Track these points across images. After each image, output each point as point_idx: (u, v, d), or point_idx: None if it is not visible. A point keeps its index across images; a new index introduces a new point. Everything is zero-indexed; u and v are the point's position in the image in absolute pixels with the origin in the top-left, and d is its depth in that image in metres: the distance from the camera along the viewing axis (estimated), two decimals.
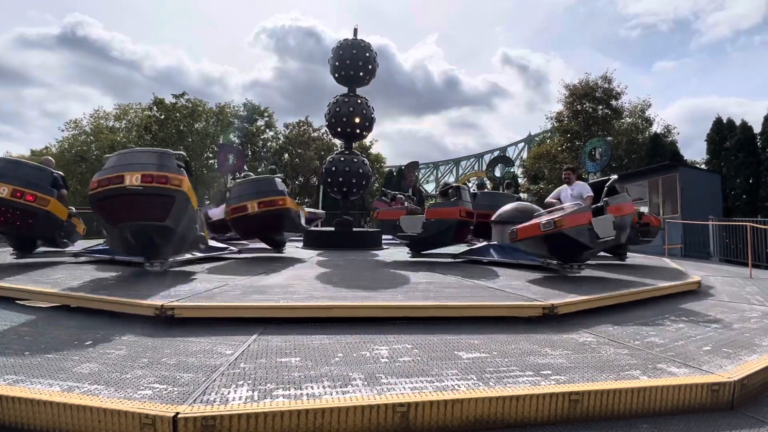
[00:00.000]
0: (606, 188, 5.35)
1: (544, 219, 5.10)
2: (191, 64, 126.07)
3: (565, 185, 5.86)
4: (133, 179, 4.30)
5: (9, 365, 2.32)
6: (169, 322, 3.19)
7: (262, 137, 39.02)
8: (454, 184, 7.20)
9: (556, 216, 5.05)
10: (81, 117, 36.39)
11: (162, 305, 3.22)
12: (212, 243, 7.02)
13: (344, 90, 9.82)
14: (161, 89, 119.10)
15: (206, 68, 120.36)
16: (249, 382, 2.15)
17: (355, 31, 9.76)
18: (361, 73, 9.52)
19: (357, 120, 9.54)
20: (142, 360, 2.44)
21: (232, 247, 7.27)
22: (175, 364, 2.37)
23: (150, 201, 4.38)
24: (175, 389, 2.04)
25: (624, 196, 5.39)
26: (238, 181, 6.73)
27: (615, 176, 5.61)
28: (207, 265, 5.70)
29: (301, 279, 4.70)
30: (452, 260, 6.93)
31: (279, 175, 7.21)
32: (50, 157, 6.65)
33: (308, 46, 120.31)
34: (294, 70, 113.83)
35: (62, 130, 36.18)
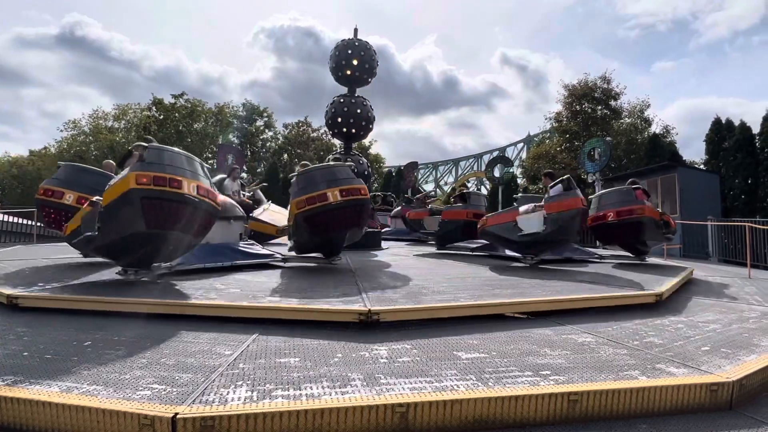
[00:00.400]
0: (550, 188, 6.09)
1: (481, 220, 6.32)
2: (190, 64, 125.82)
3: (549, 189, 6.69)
4: (190, 188, 4.03)
5: (8, 366, 2.31)
6: (373, 327, 3.23)
7: (261, 137, 39.07)
8: (466, 191, 8.88)
9: (484, 217, 6.37)
10: (80, 117, 36.57)
11: (369, 310, 3.24)
12: (257, 249, 6.11)
13: (344, 90, 9.83)
14: (160, 89, 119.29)
15: (205, 68, 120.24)
16: (248, 382, 2.15)
17: (356, 31, 9.78)
18: (360, 73, 9.54)
19: (356, 120, 9.55)
20: (141, 360, 2.44)
21: (277, 254, 6.11)
22: (174, 365, 2.37)
23: (203, 214, 4.25)
24: (174, 390, 2.04)
25: (572, 193, 5.87)
26: (301, 170, 5.50)
27: (567, 176, 6.09)
28: (287, 273, 5.20)
29: (433, 279, 4.82)
30: (470, 253, 8.25)
31: (349, 163, 5.94)
32: (111, 161, 6.65)
33: (307, 46, 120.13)
34: (293, 70, 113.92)
35: (61, 131, 36.31)
